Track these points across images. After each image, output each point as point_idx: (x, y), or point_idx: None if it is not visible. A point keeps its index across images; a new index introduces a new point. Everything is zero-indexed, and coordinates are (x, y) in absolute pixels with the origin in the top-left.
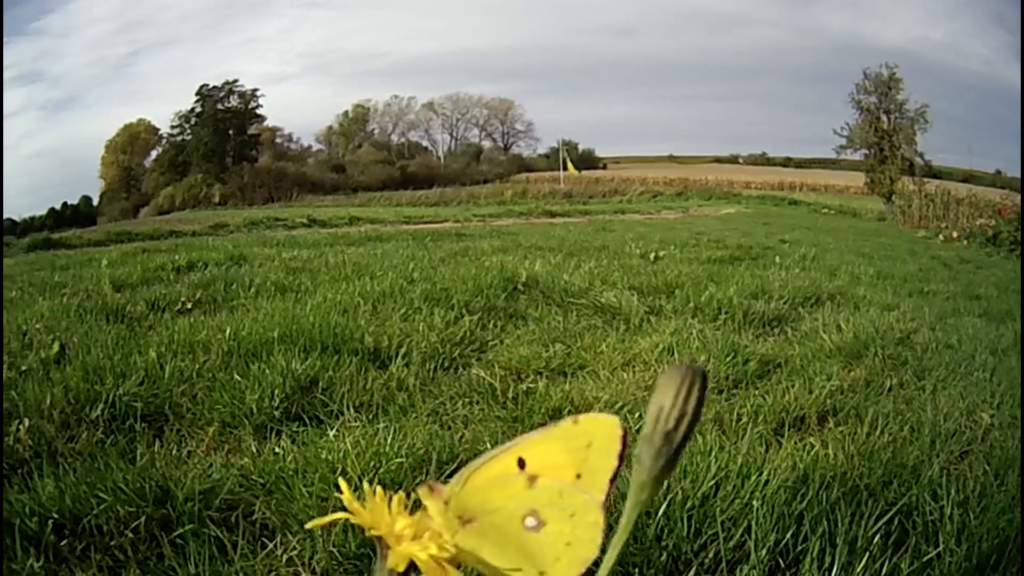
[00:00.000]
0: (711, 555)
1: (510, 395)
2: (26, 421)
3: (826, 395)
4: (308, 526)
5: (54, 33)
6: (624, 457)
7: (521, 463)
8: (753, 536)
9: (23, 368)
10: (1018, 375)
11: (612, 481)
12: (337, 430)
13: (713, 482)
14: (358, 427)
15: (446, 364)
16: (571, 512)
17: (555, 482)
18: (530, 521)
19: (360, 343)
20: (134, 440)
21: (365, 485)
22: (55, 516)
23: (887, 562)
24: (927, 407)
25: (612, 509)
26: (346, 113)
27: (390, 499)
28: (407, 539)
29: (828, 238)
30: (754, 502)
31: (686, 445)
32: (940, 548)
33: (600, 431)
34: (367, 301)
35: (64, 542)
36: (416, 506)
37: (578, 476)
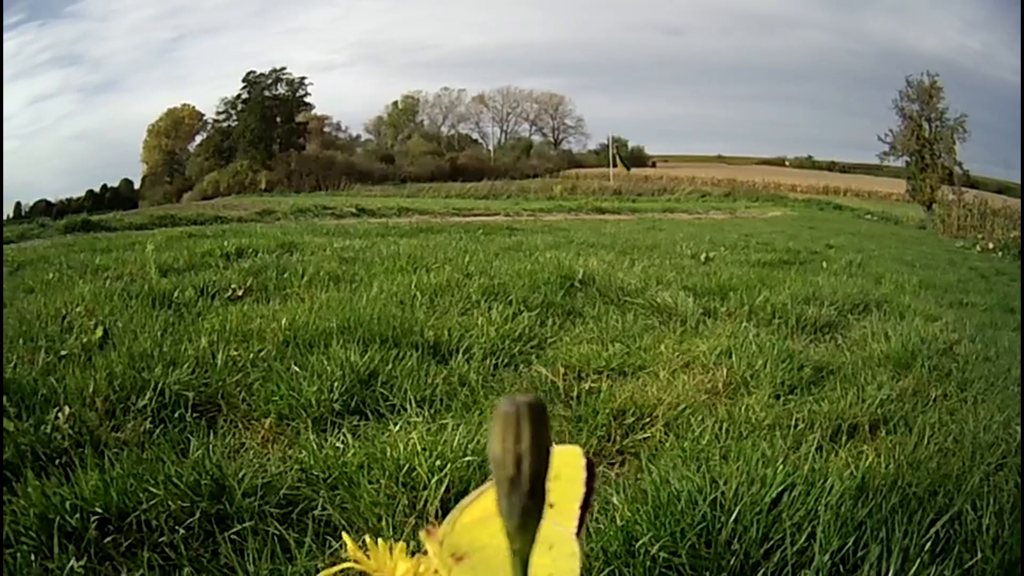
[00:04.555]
0: (776, 559)
1: (573, 394)
2: (66, 409)
3: (877, 404)
4: None
5: (93, 16)
6: (592, 485)
7: None
8: (818, 541)
9: (63, 353)
10: None
11: (584, 509)
12: (400, 426)
13: (780, 488)
14: (421, 423)
15: (506, 361)
16: (550, 545)
17: None
18: None
19: (420, 336)
20: (185, 431)
21: (368, 539)
22: (99, 511)
23: (934, 570)
24: (969, 419)
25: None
26: (395, 104)
27: (391, 547)
28: None
29: (872, 244)
30: (819, 508)
31: (542, 485)
32: (979, 556)
33: (565, 462)
34: (424, 294)
35: (109, 539)
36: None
37: (551, 506)
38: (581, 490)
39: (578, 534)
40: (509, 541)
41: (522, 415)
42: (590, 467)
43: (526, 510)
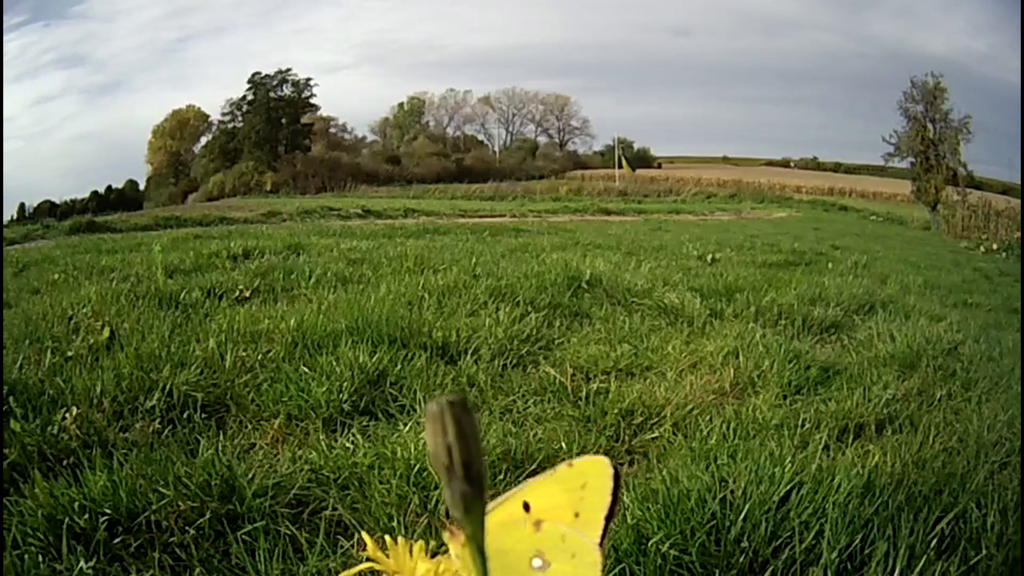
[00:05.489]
0: (784, 557)
1: (582, 394)
2: (74, 409)
3: (883, 404)
4: None
5: (98, 17)
6: (617, 495)
7: (526, 506)
8: (826, 539)
9: (69, 354)
10: None
11: (608, 519)
12: (409, 426)
13: (788, 486)
14: None
15: (515, 361)
16: (572, 553)
17: (558, 526)
18: (537, 562)
19: (428, 337)
20: (194, 431)
21: (388, 538)
22: (108, 512)
23: (940, 566)
24: (973, 418)
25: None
26: (401, 105)
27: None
28: None
29: (877, 245)
30: (827, 506)
31: (475, 472)
32: (983, 553)
33: (593, 472)
34: (432, 295)
35: (118, 540)
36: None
37: (576, 515)
38: (607, 501)
39: (601, 544)
40: (462, 528)
41: (445, 411)
42: (617, 478)
43: (466, 495)
